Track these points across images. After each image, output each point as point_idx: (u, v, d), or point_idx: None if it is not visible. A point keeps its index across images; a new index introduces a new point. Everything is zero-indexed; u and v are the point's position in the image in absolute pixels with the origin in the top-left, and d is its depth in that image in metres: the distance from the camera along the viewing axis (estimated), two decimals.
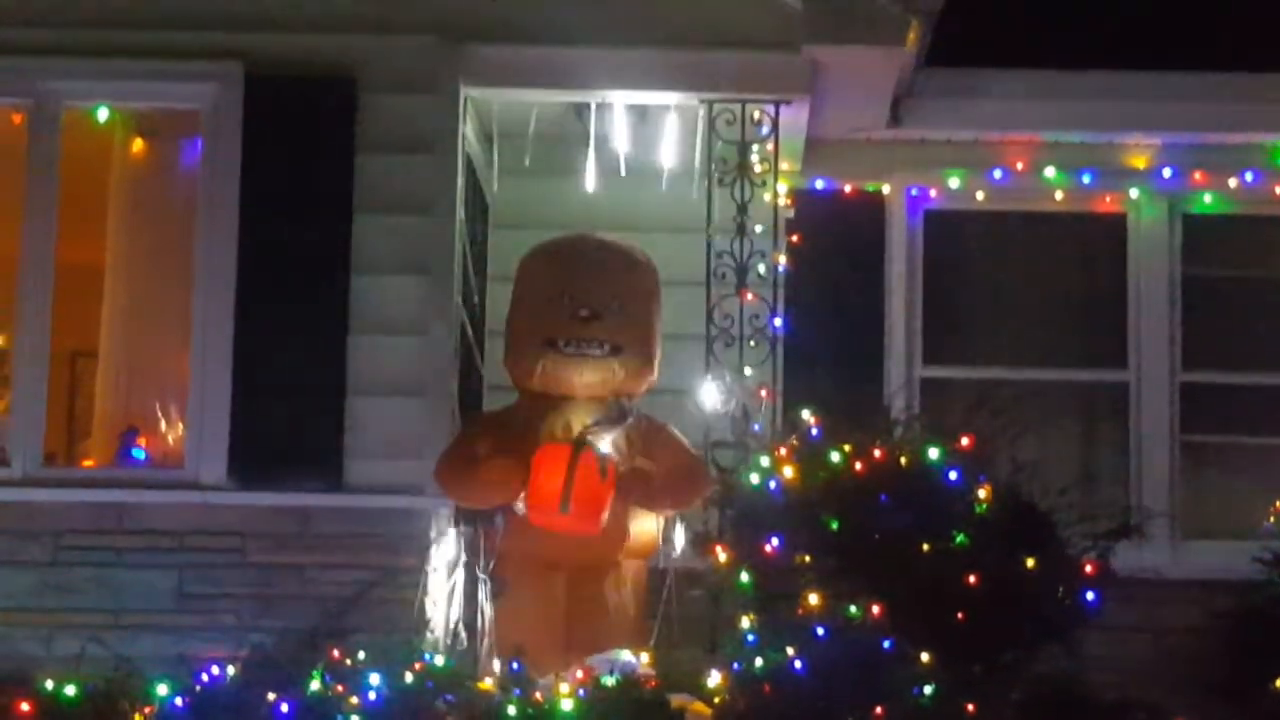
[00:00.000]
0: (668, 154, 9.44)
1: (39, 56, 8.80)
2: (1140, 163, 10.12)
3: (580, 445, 8.14)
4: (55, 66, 8.80)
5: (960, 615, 7.41)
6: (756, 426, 8.68)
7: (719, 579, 7.83)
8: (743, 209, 8.92)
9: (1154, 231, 10.18)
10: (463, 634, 8.53)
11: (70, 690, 7.30)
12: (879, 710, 7.05)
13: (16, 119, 8.97)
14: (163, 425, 9.15)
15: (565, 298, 8.39)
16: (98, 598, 8.45)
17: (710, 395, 8.65)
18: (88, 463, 9.39)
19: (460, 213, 8.91)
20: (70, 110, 8.90)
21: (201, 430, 8.67)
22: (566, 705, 7.11)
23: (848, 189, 10.17)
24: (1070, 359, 10.23)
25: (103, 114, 9.05)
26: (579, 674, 7.44)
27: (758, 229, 8.98)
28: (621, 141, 9.36)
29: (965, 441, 7.79)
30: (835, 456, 7.71)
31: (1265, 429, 10.07)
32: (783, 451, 7.90)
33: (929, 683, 7.15)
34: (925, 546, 7.49)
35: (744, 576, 7.56)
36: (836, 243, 9.99)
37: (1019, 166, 10.11)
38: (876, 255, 10.16)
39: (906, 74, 9.49)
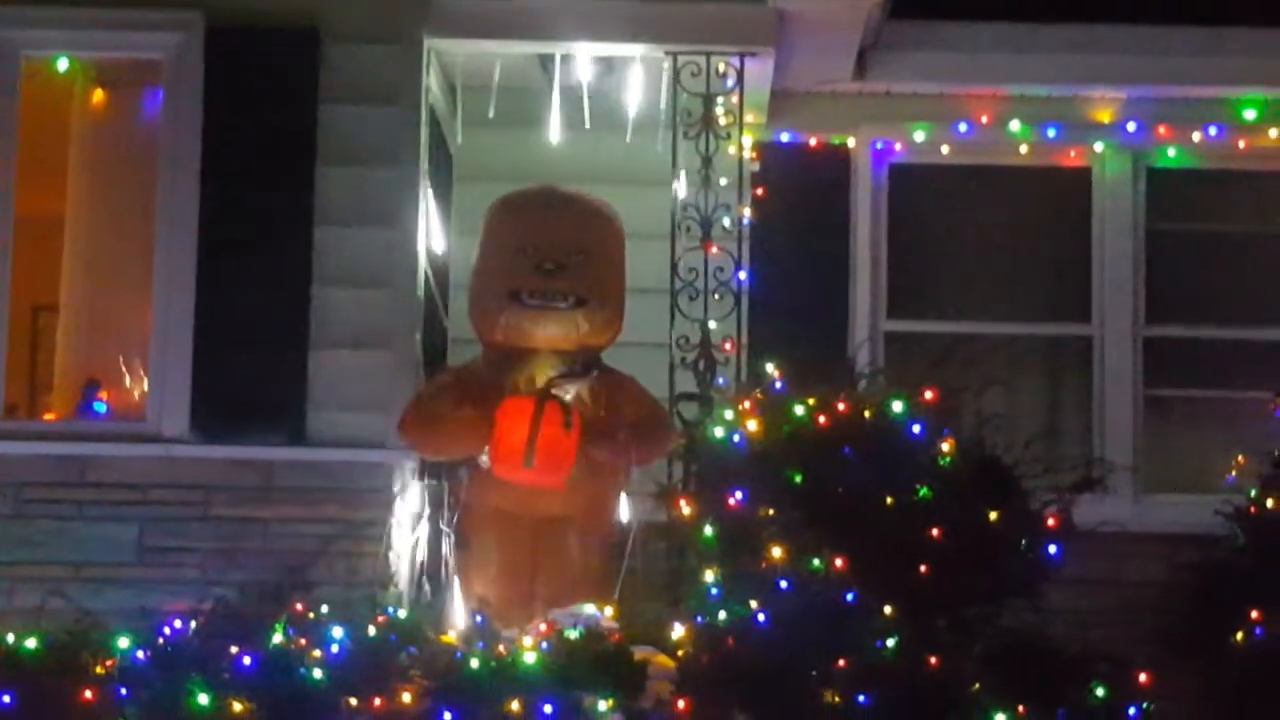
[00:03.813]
0: (632, 106, 9.40)
1: None
2: (1105, 116, 10.11)
3: (545, 398, 8.11)
4: (14, 16, 8.72)
5: (923, 568, 7.44)
6: (721, 380, 8.68)
7: (683, 532, 7.84)
8: (707, 161, 8.91)
9: (1118, 185, 10.18)
10: (426, 587, 8.53)
11: (31, 643, 7.29)
12: (842, 662, 7.08)
13: None
14: (125, 378, 9.11)
15: (529, 250, 8.35)
16: (59, 550, 8.42)
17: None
18: (49, 416, 9.35)
19: (424, 165, 8.87)
20: (29, 60, 8.84)
21: (163, 383, 8.64)
22: (530, 658, 7.12)
23: (813, 142, 10.14)
24: (1034, 313, 10.24)
25: (62, 64, 8.99)
26: (543, 627, 7.45)
27: (722, 181, 8.96)
28: (586, 93, 9.32)
29: (929, 395, 7.81)
30: (799, 410, 7.72)
31: (1228, 383, 10.09)
32: (747, 405, 7.90)
33: (892, 635, 7.18)
34: (889, 500, 7.51)
35: (708, 530, 7.57)
36: (801, 196, 9.97)
37: (984, 120, 10.09)
38: (841, 208, 10.14)
39: (872, 26, 9.46)
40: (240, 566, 8.36)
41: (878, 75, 9.96)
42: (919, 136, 10.14)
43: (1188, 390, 10.16)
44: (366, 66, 8.74)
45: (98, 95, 9.29)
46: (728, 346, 8.90)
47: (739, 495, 7.53)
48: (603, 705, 7.02)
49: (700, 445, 7.96)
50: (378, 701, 7.05)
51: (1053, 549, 7.67)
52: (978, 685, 7.21)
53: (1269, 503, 9.09)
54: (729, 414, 7.89)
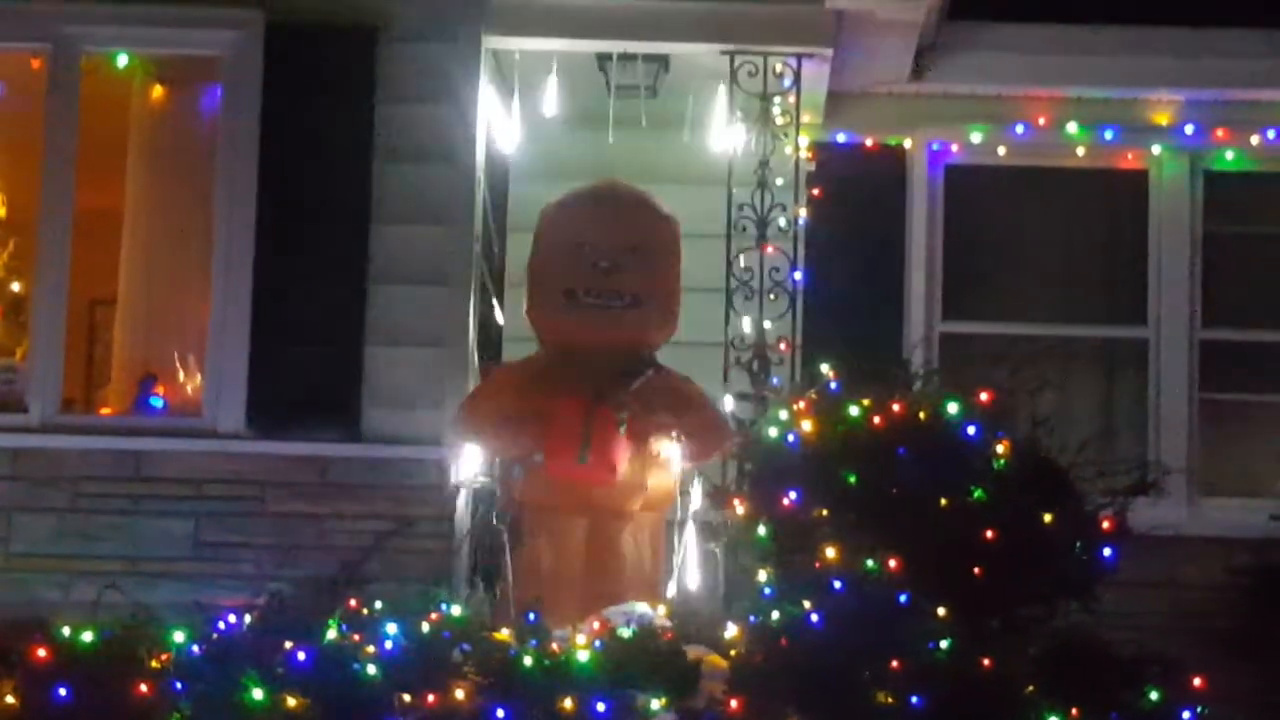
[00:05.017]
0: (689, 106, 9.40)
1: (59, 1, 8.78)
2: (1162, 119, 10.08)
3: (599, 396, 8.13)
4: (75, 12, 8.80)
5: (977, 570, 7.40)
6: (775, 380, 8.67)
7: (736, 532, 7.83)
8: (764, 162, 8.91)
9: (1175, 188, 10.15)
10: (480, 584, 8.54)
11: (88, 636, 7.30)
12: (895, 664, 7.05)
13: (36, 64, 8.98)
14: (181, 373, 9.16)
15: (585, 249, 8.36)
16: (115, 545, 8.48)
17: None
18: (106, 410, 9.41)
19: (480, 162, 8.89)
20: (89, 56, 8.89)
21: (220, 378, 8.68)
22: (583, 656, 7.11)
23: (869, 142, 10.14)
24: (1090, 315, 10.22)
25: (122, 60, 9.05)
26: (596, 625, 7.45)
27: (779, 182, 8.96)
28: (643, 92, 9.32)
29: (984, 396, 7.77)
30: (854, 410, 7.68)
31: None
32: (801, 405, 7.88)
33: (945, 637, 7.14)
34: (943, 501, 7.47)
35: (761, 530, 7.55)
36: (857, 196, 9.97)
37: (1041, 121, 10.08)
38: (897, 209, 10.14)
39: (930, 27, 9.46)
40: (295, 562, 8.39)
41: (935, 76, 9.96)
42: (976, 138, 10.12)
43: (1243, 394, 10.13)
44: (424, 65, 8.77)
45: (157, 91, 9.36)
46: (783, 346, 8.90)
47: (793, 495, 7.50)
48: (655, 704, 7.00)
49: (754, 445, 7.94)
50: (431, 698, 7.04)
51: (1107, 551, 7.62)
52: (1031, 687, 7.17)
53: None
54: (783, 414, 7.88)
